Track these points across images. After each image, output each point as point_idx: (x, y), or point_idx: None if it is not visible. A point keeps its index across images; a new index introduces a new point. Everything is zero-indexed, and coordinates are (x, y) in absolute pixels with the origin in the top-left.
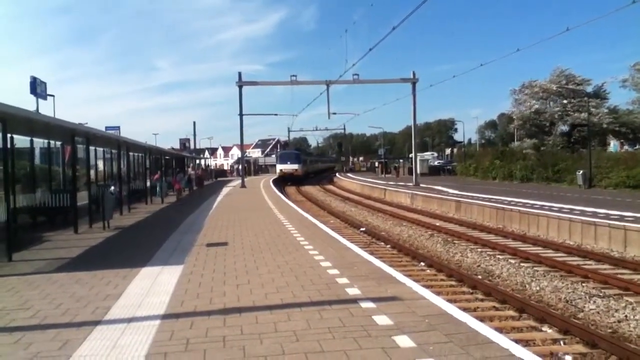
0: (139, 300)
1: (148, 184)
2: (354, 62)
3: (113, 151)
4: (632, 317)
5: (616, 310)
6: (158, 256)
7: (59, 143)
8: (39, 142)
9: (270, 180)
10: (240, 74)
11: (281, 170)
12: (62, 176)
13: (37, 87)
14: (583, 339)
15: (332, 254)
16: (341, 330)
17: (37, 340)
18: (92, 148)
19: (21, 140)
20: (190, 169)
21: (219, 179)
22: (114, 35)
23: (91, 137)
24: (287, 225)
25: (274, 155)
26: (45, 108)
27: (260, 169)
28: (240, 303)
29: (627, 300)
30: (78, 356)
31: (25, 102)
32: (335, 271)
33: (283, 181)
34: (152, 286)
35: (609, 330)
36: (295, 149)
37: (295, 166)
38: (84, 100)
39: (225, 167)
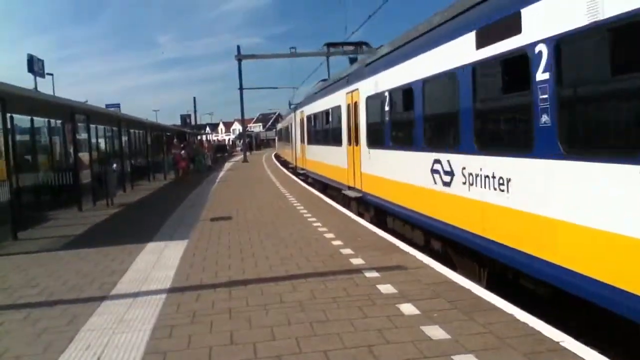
0: (144, 275)
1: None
2: (354, 30)
3: (114, 128)
4: None
5: None
6: (163, 231)
7: (59, 122)
8: (40, 122)
9: (272, 155)
10: (239, 47)
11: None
12: (64, 154)
13: (35, 65)
14: None
15: (337, 225)
16: (346, 300)
17: (45, 316)
18: (92, 126)
19: (22, 120)
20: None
21: (222, 154)
22: (114, 10)
23: (91, 114)
24: (290, 198)
25: (274, 129)
26: (45, 86)
27: (262, 143)
28: (246, 275)
29: None
30: (85, 331)
31: (23, 80)
32: (339, 242)
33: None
34: (158, 261)
35: None
36: None
37: None
38: (84, 78)
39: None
